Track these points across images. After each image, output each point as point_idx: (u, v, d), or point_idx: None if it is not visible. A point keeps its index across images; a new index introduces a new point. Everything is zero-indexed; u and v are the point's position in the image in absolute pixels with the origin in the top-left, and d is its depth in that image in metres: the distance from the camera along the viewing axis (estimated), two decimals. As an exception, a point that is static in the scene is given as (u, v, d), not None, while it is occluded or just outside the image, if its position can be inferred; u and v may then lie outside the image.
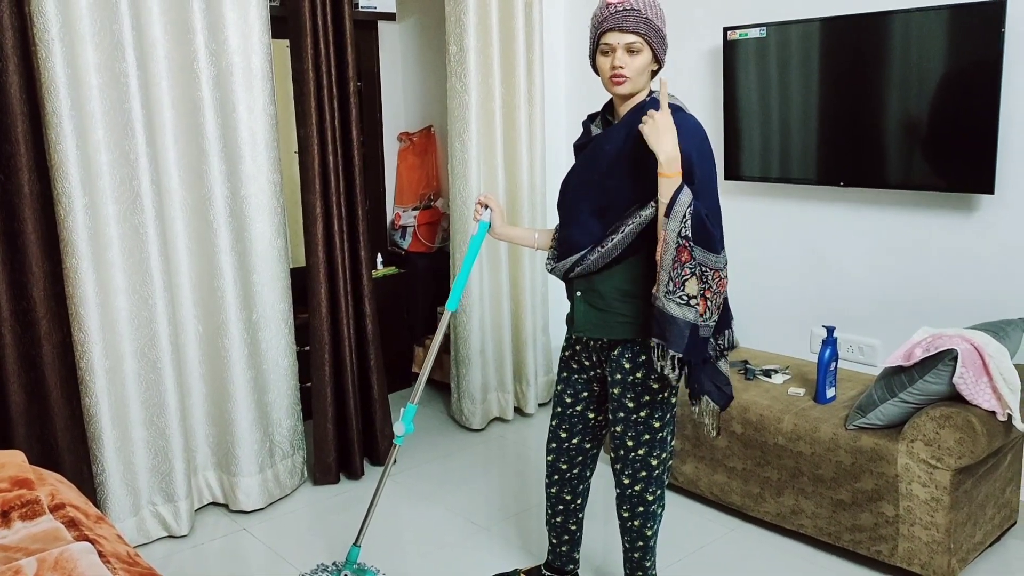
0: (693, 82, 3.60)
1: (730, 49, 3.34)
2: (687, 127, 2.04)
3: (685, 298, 1.97)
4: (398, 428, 2.42)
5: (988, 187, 2.77)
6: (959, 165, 2.83)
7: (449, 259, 3.89)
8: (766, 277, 3.50)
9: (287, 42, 3.16)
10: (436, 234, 4.44)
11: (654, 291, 2.02)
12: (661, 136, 1.95)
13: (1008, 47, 2.70)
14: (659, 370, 2.05)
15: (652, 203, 2.04)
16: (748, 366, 3.14)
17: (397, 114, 4.59)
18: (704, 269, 1.98)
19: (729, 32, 3.33)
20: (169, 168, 2.88)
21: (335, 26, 3.16)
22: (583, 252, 2.14)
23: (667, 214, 1.96)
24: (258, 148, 2.97)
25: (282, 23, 3.15)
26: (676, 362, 2.01)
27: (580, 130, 2.30)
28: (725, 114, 3.40)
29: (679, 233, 1.95)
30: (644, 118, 1.97)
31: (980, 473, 2.55)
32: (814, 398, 2.88)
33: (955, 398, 2.49)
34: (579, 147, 2.26)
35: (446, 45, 3.62)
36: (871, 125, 3.02)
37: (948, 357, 2.45)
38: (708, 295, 1.99)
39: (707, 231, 1.97)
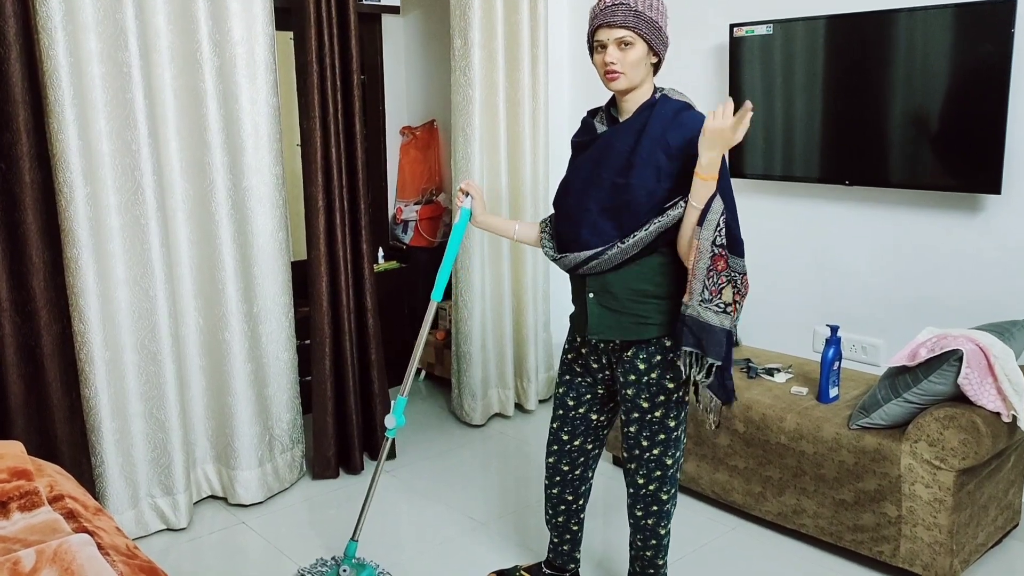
0: (699, 78, 3.58)
1: (736, 46, 3.32)
2: (702, 123, 2.03)
3: (722, 306, 1.97)
4: (389, 421, 2.43)
5: (995, 187, 2.75)
6: (965, 165, 2.81)
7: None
8: (770, 276, 3.48)
9: (291, 34, 3.15)
10: (438, 229, 4.43)
11: (686, 299, 2.00)
12: (718, 142, 1.89)
13: (1018, 46, 2.69)
14: (690, 378, 2.05)
15: (681, 202, 2.00)
16: (751, 364, 3.13)
17: (400, 108, 4.58)
18: (733, 274, 1.97)
19: (736, 28, 3.31)
20: (171, 159, 2.86)
21: (339, 18, 3.15)
22: (600, 248, 2.09)
23: (700, 222, 1.94)
24: (261, 140, 2.96)
25: (286, 14, 3.13)
26: (713, 369, 2.01)
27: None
28: (730, 111, 3.39)
29: (713, 242, 1.93)
30: (716, 118, 1.87)
31: (983, 474, 2.54)
32: (817, 397, 2.86)
33: (959, 399, 2.48)
34: (579, 144, 2.22)
35: (450, 39, 3.61)
36: (877, 124, 3.00)
37: (953, 358, 2.44)
38: (738, 299, 2.00)
39: (735, 238, 1.96)
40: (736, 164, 3.42)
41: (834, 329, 2.85)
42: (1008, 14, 2.64)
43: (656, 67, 2.11)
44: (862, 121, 3.04)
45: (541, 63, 3.77)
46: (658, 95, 2.09)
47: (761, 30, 3.24)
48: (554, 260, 2.24)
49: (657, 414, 2.15)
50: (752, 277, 3.52)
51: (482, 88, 3.61)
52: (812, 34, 3.12)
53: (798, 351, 3.43)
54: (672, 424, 2.17)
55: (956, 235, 2.96)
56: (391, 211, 4.58)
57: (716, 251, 1.94)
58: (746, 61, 3.31)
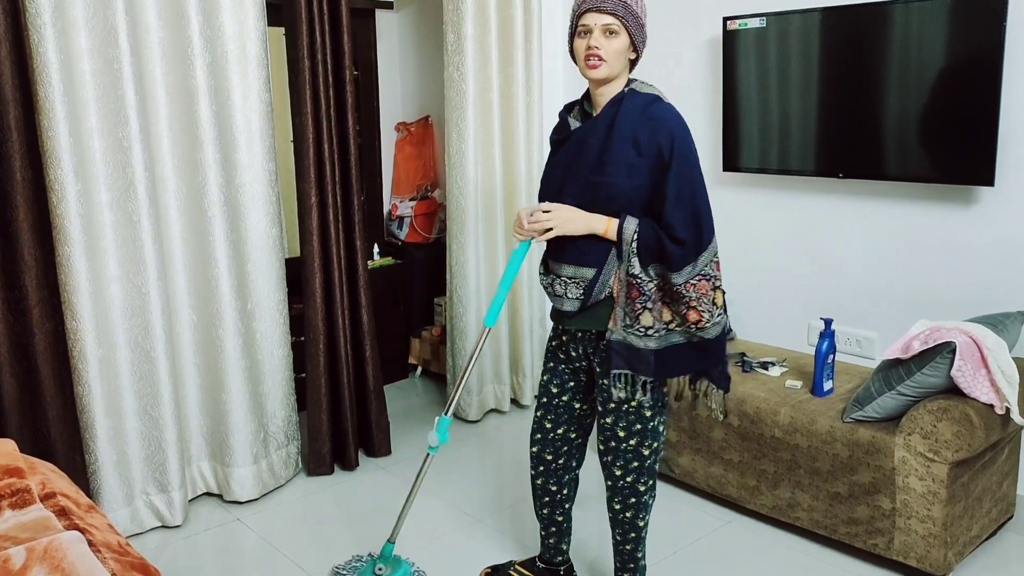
0: (692, 72, 3.58)
1: (730, 39, 3.31)
2: (668, 116, 2.07)
3: (643, 330, 2.07)
4: (432, 439, 2.41)
5: (988, 179, 2.75)
6: (959, 157, 2.81)
7: (446, 250, 3.87)
8: (764, 269, 3.48)
9: (283, 30, 3.14)
10: (433, 225, 4.42)
11: (611, 326, 2.11)
12: (569, 225, 2.09)
13: (1010, 39, 2.68)
14: (621, 396, 2.13)
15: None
16: (745, 358, 3.13)
17: (394, 104, 4.57)
18: (707, 272, 2.03)
19: (729, 22, 3.30)
20: (163, 156, 2.85)
21: (331, 14, 3.14)
22: (584, 292, 2.14)
23: (619, 256, 2.08)
24: (253, 136, 2.95)
25: (277, 10, 3.13)
26: (648, 384, 2.12)
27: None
28: (724, 104, 3.38)
29: (628, 272, 2.05)
30: (535, 223, 2.11)
31: (977, 466, 2.54)
32: (811, 391, 2.87)
33: (953, 391, 2.48)
34: (556, 141, 2.25)
35: (444, 34, 3.60)
36: (871, 116, 3.00)
37: (946, 350, 2.44)
38: (694, 304, 2.05)
39: (662, 250, 2.02)
40: (731, 158, 3.41)
41: (828, 322, 2.85)
42: (1000, 6, 2.63)
43: (633, 64, 2.15)
44: (856, 114, 3.04)
45: (535, 57, 3.76)
46: (626, 89, 2.12)
47: (755, 23, 3.24)
48: (548, 295, 2.27)
49: (633, 404, 2.17)
50: (747, 270, 3.52)
51: (476, 83, 3.60)
52: (806, 27, 3.11)
53: (793, 345, 3.42)
54: (648, 414, 2.19)
55: (950, 227, 2.96)
56: (386, 207, 4.57)
57: (630, 280, 2.06)
58: (740, 54, 3.30)
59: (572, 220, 2.09)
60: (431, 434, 2.41)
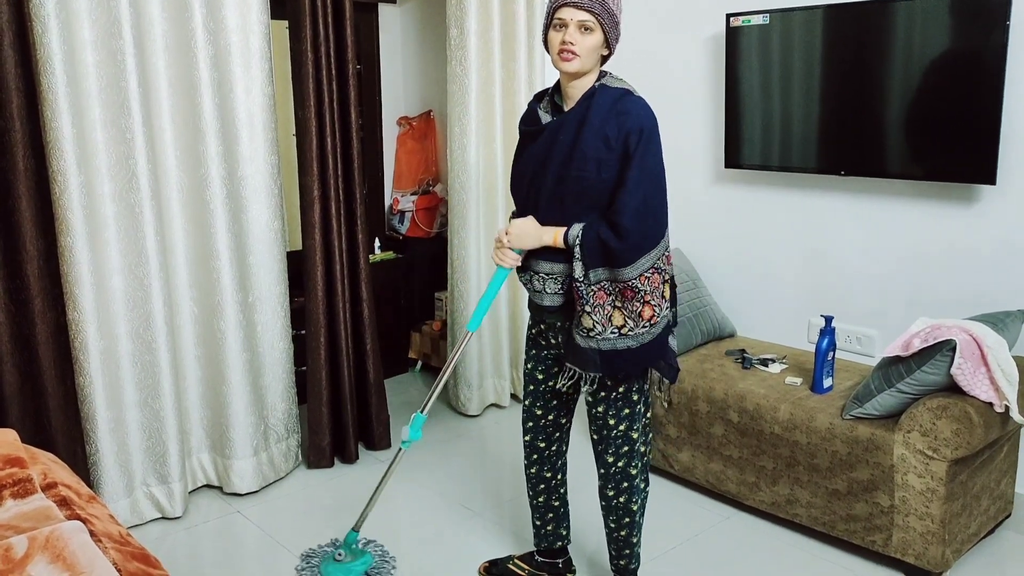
0: (695, 68, 3.57)
1: (733, 35, 3.31)
2: (638, 109, 2.08)
3: (584, 331, 2.11)
4: (404, 433, 2.43)
5: (990, 178, 2.75)
6: (961, 155, 2.81)
7: (447, 245, 3.88)
8: (765, 266, 3.48)
9: (286, 23, 3.14)
10: (434, 219, 4.42)
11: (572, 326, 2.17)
12: (524, 240, 2.16)
13: (1013, 37, 2.68)
14: (584, 392, 2.21)
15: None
16: (745, 355, 3.13)
17: (397, 98, 4.57)
18: (620, 286, 2.06)
19: (732, 18, 3.30)
20: (166, 147, 2.86)
21: (334, 7, 3.14)
22: (563, 287, 2.18)
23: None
24: (256, 129, 2.95)
25: (281, 4, 3.12)
26: (596, 379, 2.17)
27: None
28: (727, 101, 3.38)
29: (573, 277, 2.10)
30: (500, 251, 2.21)
31: (976, 464, 2.54)
32: (811, 388, 2.87)
33: (952, 389, 2.49)
34: (526, 133, 2.25)
35: (447, 28, 3.60)
36: (873, 114, 3.00)
37: (946, 348, 2.44)
38: (648, 299, 2.07)
39: (605, 248, 2.04)
40: (733, 155, 3.41)
41: (828, 319, 2.85)
42: (1003, 5, 2.63)
43: (604, 60, 2.16)
44: (859, 111, 3.04)
45: (537, 52, 3.76)
46: (597, 84, 2.13)
47: (758, 20, 3.23)
48: (535, 294, 2.27)
49: (620, 389, 2.21)
50: (748, 267, 3.52)
51: (478, 78, 3.60)
52: (809, 24, 3.11)
53: (793, 342, 3.42)
54: (635, 398, 2.23)
55: (951, 226, 2.96)
56: (388, 201, 4.57)
57: (575, 285, 2.10)
58: (743, 51, 3.30)
59: (525, 235, 2.16)
60: (404, 428, 2.43)
